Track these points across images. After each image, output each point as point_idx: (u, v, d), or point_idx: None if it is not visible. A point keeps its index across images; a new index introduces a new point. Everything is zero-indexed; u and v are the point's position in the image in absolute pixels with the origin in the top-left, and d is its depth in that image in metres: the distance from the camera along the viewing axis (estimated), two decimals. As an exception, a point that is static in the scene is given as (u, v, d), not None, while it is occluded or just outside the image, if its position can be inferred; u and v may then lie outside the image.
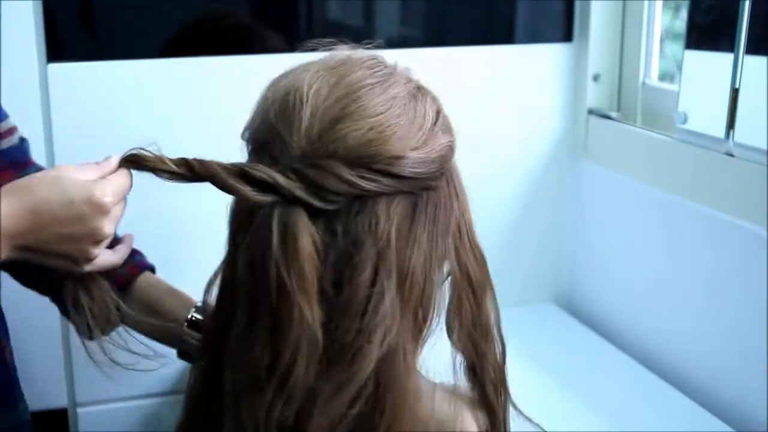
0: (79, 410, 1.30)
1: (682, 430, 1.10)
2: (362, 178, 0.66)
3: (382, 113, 0.68)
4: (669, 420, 1.13)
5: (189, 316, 0.88)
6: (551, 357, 1.28)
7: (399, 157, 0.67)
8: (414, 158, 0.68)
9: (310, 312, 0.65)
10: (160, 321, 0.87)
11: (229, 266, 0.70)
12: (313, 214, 0.66)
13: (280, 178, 0.65)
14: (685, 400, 1.18)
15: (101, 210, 0.69)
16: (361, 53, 0.74)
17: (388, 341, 0.67)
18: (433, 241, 0.71)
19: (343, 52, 0.75)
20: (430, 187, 0.70)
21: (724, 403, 1.15)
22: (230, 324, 0.68)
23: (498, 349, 0.76)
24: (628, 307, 1.38)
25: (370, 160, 0.66)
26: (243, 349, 0.66)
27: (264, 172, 0.66)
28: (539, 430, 0.80)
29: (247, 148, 0.72)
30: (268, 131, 0.68)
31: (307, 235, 0.65)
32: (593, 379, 1.24)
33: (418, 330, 0.71)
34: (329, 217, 0.66)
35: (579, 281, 1.51)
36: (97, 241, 0.71)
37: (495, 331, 0.75)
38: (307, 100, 0.67)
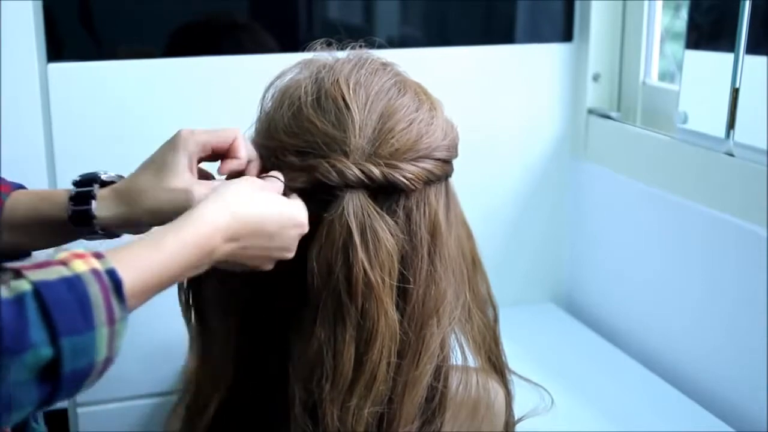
0: (79, 410, 1.29)
1: (682, 430, 1.10)
2: (427, 167, 0.69)
3: (417, 109, 0.71)
4: (669, 420, 1.13)
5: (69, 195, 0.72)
6: (551, 357, 1.28)
7: (442, 146, 0.71)
8: (448, 144, 0.72)
9: (392, 307, 0.66)
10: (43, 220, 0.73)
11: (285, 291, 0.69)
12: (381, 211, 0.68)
13: (375, 170, 0.67)
14: (685, 400, 1.18)
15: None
16: (360, 53, 0.75)
17: (450, 327, 0.70)
18: (458, 223, 0.75)
19: (347, 52, 0.75)
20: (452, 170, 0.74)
21: (724, 403, 1.15)
22: (302, 340, 0.67)
23: (491, 315, 0.79)
24: (628, 307, 1.37)
25: (426, 150, 0.69)
26: (325, 360, 0.66)
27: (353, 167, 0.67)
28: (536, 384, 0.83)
29: (269, 154, 0.71)
30: (312, 134, 0.68)
31: (386, 230, 0.67)
32: (593, 379, 1.24)
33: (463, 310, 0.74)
34: (393, 210, 0.68)
35: (579, 281, 1.51)
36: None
37: (489, 297, 0.80)
38: (351, 101, 0.68)
